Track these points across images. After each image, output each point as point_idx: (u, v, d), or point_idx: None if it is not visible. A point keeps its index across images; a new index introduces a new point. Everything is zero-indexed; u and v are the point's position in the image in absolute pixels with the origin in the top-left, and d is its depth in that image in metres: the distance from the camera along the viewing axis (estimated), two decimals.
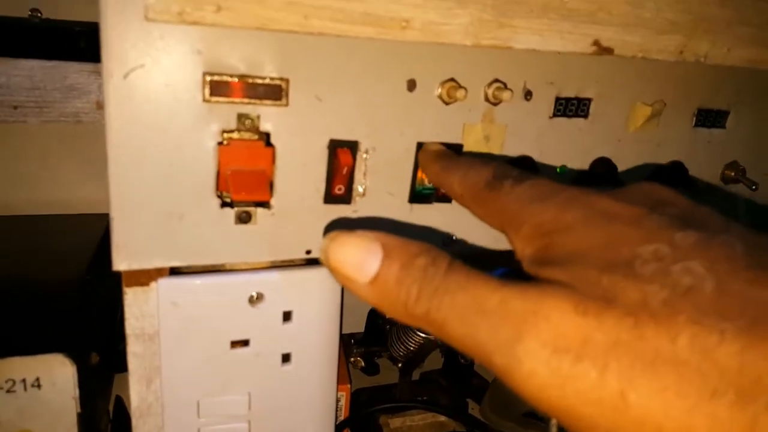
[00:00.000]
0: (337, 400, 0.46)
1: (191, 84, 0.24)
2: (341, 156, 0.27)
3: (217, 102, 0.25)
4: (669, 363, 0.12)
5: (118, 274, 0.28)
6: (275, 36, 0.25)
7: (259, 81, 0.25)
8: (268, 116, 0.26)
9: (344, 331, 0.53)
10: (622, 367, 0.12)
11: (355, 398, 0.51)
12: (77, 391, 0.32)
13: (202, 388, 0.31)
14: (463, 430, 0.51)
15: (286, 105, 0.26)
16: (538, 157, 0.32)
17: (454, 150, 0.30)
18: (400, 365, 0.52)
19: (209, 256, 0.28)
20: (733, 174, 0.37)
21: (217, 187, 0.27)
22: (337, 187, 0.28)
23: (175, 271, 0.29)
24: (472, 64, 0.28)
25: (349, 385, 0.48)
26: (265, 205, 0.28)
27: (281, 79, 0.26)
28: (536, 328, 0.14)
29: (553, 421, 0.38)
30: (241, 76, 0.25)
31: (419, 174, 0.29)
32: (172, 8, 0.22)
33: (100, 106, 0.46)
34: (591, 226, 0.16)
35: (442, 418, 0.52)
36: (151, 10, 0.22)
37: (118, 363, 0.34)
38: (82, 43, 0.45)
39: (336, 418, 0.38)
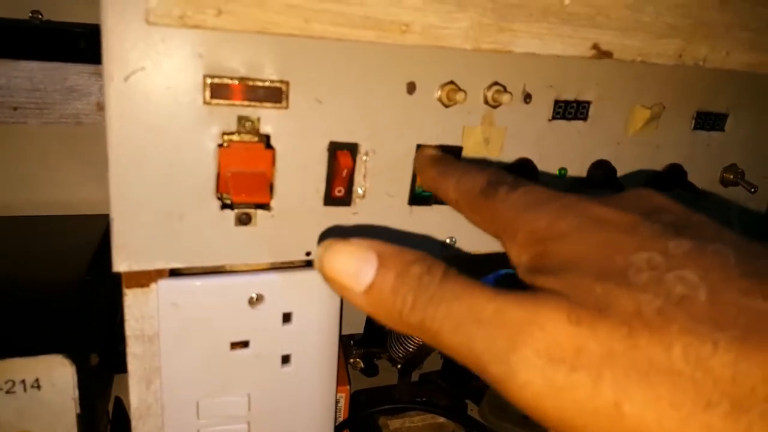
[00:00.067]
0: (337, 401, 0.46)
1: (192, 86, 0.25)
2: (341, 158, 0.27)
3: (218, 104, 0.25)
4: (663, 373, 0.12)
5: (118, 275, 0.28)
6: (275, 39, 0.25)
7: (260, 83, 0.25)
8: (269, 118, 0.26)
9: (344, 333, 0.53)
10: (617, 377, 0.12)
11: (355, 399, 0.51)
12: (77, 392, 0.32)
13: (201, 389, 0.31)
14: None
15: (287, 107, 0.26)
16: (537, 159, 0.32)
17: (454, 153, 0.30)
18: (399, 366, 0.52)
19: (209, 258, 0.28)
20: (732, 177, 0.37)
21: (218, 189, 0.27)
22: (336, 189, 0.28)
23: (175, 273, 0.29)
24: (472, 67, 0.28)
25: (348, 387, 0.48)
26: (265, 206, 0.28)
27: (281, 81, 0.26)
28: (531, 338, 0.14)
29: None
30: (242, 79, 0.25)
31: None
32: (174, 12, 0.22)
33: (100, 107, 0.46)
34: (585, 233, 0.16)
35: (441, 420, 0.52)
36: (153, 13, 0.22)
37: (118, 364, 0.34)
38: (82, 44, 0.45)
39: (335, 419, 0.39)
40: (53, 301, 0.36)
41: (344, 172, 0.27)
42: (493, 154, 0.31)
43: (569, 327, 0.13)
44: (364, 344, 0.55)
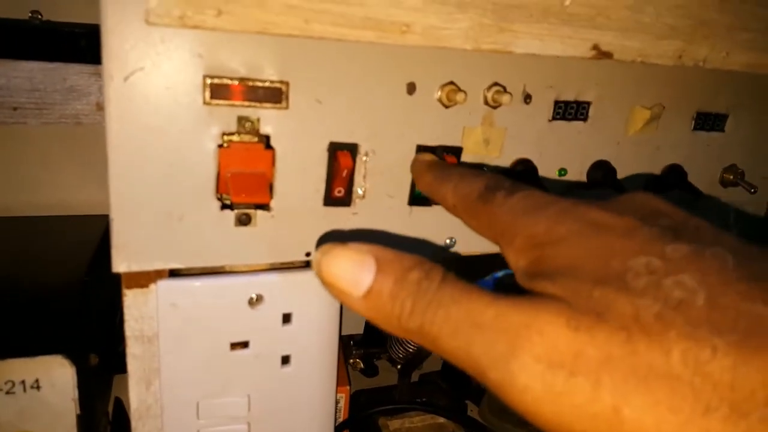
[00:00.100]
0: (337, 402, 0.46)
1: (192, 87, 0.24)
2: (341, 158, 0.27)
3: (218, 105, 0.25)
4: (662, 378, 0.12)
5: (117, 276, 0.28)
6: (275, 39, 0.25)
7: (260, 84, 0.25)
8: (269, 119, 0.26)
9: (343, 333, 0.53)
10: (616, 382, 0.12)
11: (355, 400, 0.51)
12: (76, 393, 0.32)
13: (201, 390, 0.31)
14: None
15: (287, 108, 0.26)
16: (537, 160, 0.32)
17: (454, 153, 0.30)
18: (399, 367, 0.52)
19: (209, 258, 0.28)
20: (731, 177, 0.37)
21: (217, 190, 0.27)
22: (336, 190, 0.28)
23: (174, 273, 0.29)
24: (472, 68, 0.28)
25: (348, 387, 0.48)
26: (264, 207, 0.28)
27: (281, 82, 0.26)
28: (530, 343, 0.14)
29: None
30: (242, 79, 0.25)
31: None
32: (173, 12, 0.22)
33: (100, 107, 0.46)
34: (584, 237, 0.16)
35: (441, 420, 0.52)
36: (153, 14, 0.22)
37: (118, 364, 0.34)
38: (82, 44, 0.45)
39: (335, 419, 0.38)
40: (53, 302, 0.36)
41: (344, 173, 0.27)
42: (493, 155, 0.31)
43: (568, 332, 0.13)
44: (364, 345, 0.55)
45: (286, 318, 0.31)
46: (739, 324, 0.12)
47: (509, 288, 0.16)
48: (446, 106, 0.29)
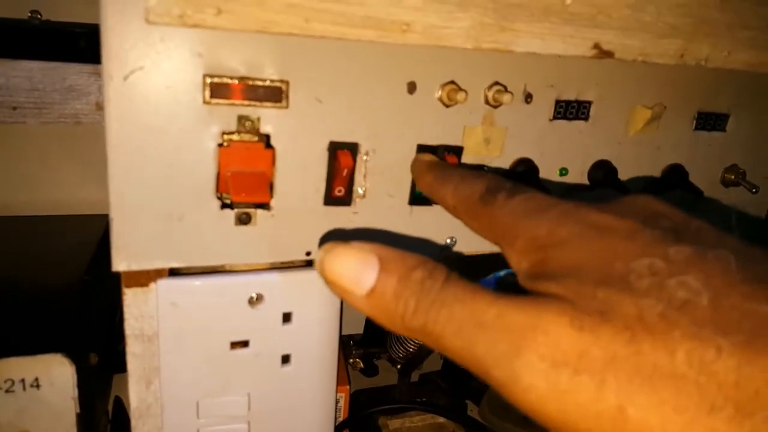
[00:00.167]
0: (336, 401, 0.46)
1: (191, 86, 0.24)
2: (341, 158, 0.27)
3: (218, 104, 0.25)
4: (667, 377, 0.12)
5: (117, 275, 0.28)
6: (275, 38, 0.25)
7: (260, 83, 0.25)
8: (269, 118, 0.26)
9: (343, 333, 0.53)
10: (620, 382, 0.13)
11: (354, 399, 0.51)
12: (76, 392, 0.32)
13: (201, 389, 0.31)
14: None
15: (287, 107, 0.26)
16: (538, 159, 0.32)
17: (455, 153, 0.30)
18: (399, 367, 0.52)
19: (209, 257, 0.28)
20: (733, 177, 0.37)
21: (217, 189, 0.27)
22: (337, 189, 0.28)
23: (174, 272, 0.29)
24: (473, 67, 0.28)
25: (348, 387, 0.48)
26: (265, 206, 0.28)
27: (281, 81, 0.26)
28: (535, 343, 0.14)
29: None
30: (242, 78, 0.25)
31: None
32: (173, 11, 0.22)
33: (99, 107, 0.46)
34: (585, 240, 0.16)
35: (441, 420, 0.52)
36: (152, 12, 0.22)
37: (118, 363, 0.34)
38: (81, 44, 0.44)
39: (335, 419, 0.38)
40: (53, 301, 0.36)
41: (344, 172, 0.27)
42: (494, 154, 0.31)
43: (572, 332, 0.13)
44: (364, 344, 0.55)
45: (286, 317, 0.31)
46: (743, 325, 0.12)
47: (511, 287, 0.16)
48: (447, 106, 0.29)
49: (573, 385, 0.13)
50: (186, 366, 0.30)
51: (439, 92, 0.28)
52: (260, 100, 0.25)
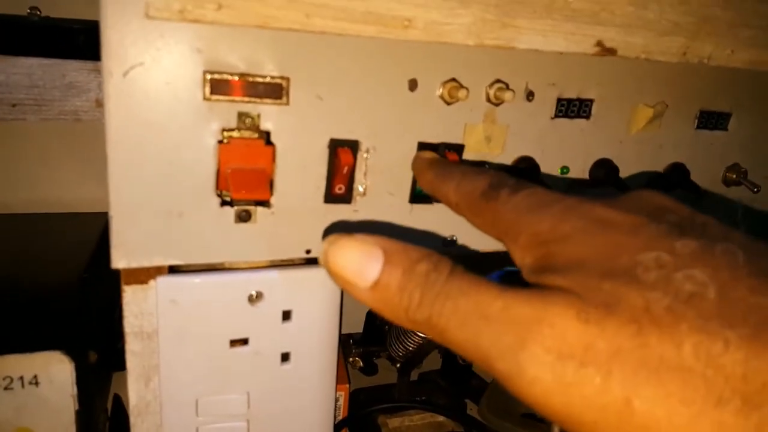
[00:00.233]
0: (336, 400, 0.46)
1: (191, 82, 0.24)
2: (342, 155, 0.27)
3: (218, 100, 0.25)
4: (673, 370, 0.12)
5: (116, 272, 0.27)
6: (276, 34, 0.25)
7: (260, 79, 0.25)
8: (269, 115, 0.26)
9: (343, 331, 0.53)
10: (626, 374, 0.12)
11: (354, 398, 0.51)
12: (75, 389, 0.32)
13: (200, 387, 0.31)
14: (461, 431, 0.51)
15: (287, 104, 0.26)
16: (539, 158, 0.32)
17: (456, 150, 0.30)
18: (398, 365, 0.52)
19: (209, 255, 0.28)
20: (734, 176, 0.37)
21: (217, 186, 0.26)
22: (337, 187, 0.28)
23: (174, 270, 0.29)
24: (474, 64, 0.28)
25: (347, 385, 0.48)
26: (265, 204, 0.28)
27: (282, 77, 0.25)
28: (540, 335, 0.14)
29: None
30: (242, 75, 0.25)
31: None
32: (173, 6, 0.22)
33: (99, 104, 0.46)
34: (589, 235, 0.16)
35: (441, 418, 0.52)
36: (152, 7, 0.22)
37: (117, 361, 0.34)
38: (81, 40, 0.44)
39: (334, 417, 0.38)
40: (52, 298, 0.36)
41: (345, 170, 0.27)
42: (495, 152, 0.31)
43: (578, 324, 0.13)
44: (364, 343, 0.55)
45: (286, 315, 0.31)
46: (750, 318, 0.12)
47: (516, 282, 0.16)
48: (448, 103, 0.29)
49: (579, 377, 0.13)
50: (185, 364, 0.30)
51: (441, 89, 0.28)
52: (260, 96, 0.25)
